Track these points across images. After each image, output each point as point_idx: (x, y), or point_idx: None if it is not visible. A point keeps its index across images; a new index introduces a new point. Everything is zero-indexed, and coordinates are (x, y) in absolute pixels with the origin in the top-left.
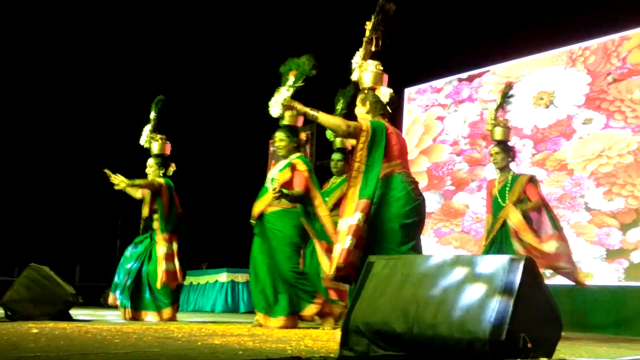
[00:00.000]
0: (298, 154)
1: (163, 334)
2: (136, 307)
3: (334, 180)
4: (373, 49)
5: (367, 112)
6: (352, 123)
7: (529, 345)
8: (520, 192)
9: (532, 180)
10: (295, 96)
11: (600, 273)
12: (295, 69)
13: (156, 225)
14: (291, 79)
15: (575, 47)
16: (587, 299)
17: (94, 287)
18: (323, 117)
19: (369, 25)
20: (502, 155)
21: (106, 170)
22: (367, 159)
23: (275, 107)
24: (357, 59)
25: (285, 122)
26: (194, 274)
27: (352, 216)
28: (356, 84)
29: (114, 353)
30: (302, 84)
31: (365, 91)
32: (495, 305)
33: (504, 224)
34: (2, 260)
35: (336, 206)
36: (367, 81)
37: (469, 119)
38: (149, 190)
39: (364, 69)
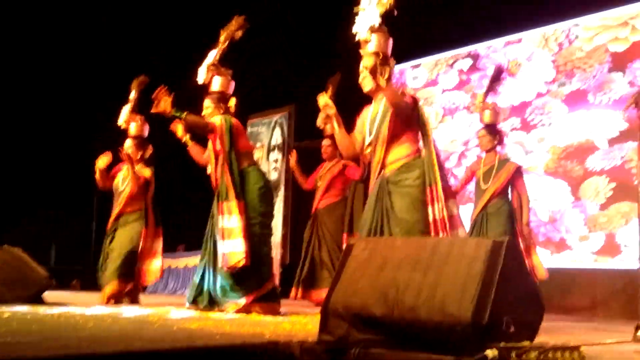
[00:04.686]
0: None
1: (137, 318)
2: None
3: (326, 165)
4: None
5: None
6: (408, 99)
7: (512, 328)
8: (505, 179)
9: (519, 171)
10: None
11: (576, 255)
12: (224, 31)
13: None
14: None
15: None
16: (563, 280)
17: (70, 269)
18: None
19: None
20: (488, 138)
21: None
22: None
23: (201, 72)
24: (372, 18)
25: (213, 89)
26: (172, 257)
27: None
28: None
29: (87, 337)
30: (225, 45)
31: (380, 55)
32: (478, 288)
33: (485, 207)
34: None
35: (328, 189)
36: (379, 45)
37: None
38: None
39: (377, 31)
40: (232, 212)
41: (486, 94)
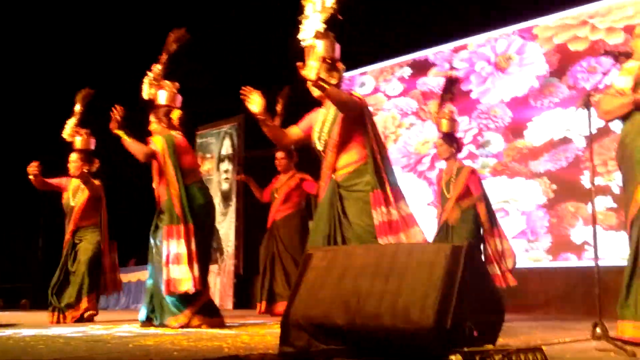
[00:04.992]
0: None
1: (91, 337)
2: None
3: (282, 178)
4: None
5: (334, 85)
6: (353, 96)
7: (475, 333)
8: (464, 184)
9: (473, 172)
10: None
11: (529, 254)
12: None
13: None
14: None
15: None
16: (517, 280)
17: (17, 288)
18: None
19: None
20: (444, 147)
21: None
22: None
23: (144, 88)
24: (316, 24)
25: (159, 103)
26: (123, 271)
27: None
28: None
29: None
30: (165, 58)
31: (329, 60)
32: (439, 294)
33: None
34: None
35: (285, 201)
36: (325, 51)
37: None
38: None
39: (323, 37)
40: (179, 237)
41: (440, 103)
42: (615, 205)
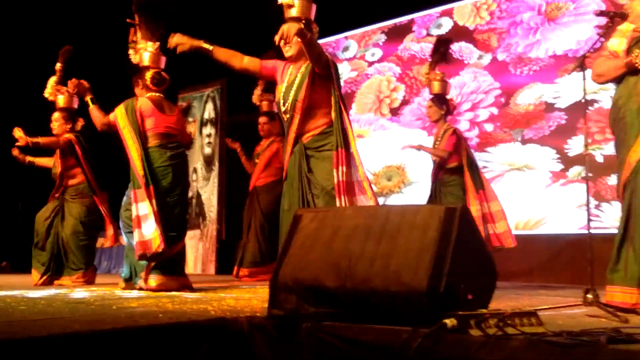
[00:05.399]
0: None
1: (73, 299)
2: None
3: (263, 143)
4: None
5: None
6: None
7: (469, 296)
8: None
9: (453, 132)
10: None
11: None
12: None
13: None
14: None
15: None
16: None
17: None
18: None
19: None
20: (434, 109)
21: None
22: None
23: (131, 54)
24: None
25: (143, 64)
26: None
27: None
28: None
29: (19, 321)
30: (136, 20)
31: (303, 21)
32: (433, 256)
33: (436, 178)
34: None
35: (266, 167)
36: (302, 10)
37: None
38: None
39: None
40: (144, 199)
41: (431, 65)
42: (591, 175)
